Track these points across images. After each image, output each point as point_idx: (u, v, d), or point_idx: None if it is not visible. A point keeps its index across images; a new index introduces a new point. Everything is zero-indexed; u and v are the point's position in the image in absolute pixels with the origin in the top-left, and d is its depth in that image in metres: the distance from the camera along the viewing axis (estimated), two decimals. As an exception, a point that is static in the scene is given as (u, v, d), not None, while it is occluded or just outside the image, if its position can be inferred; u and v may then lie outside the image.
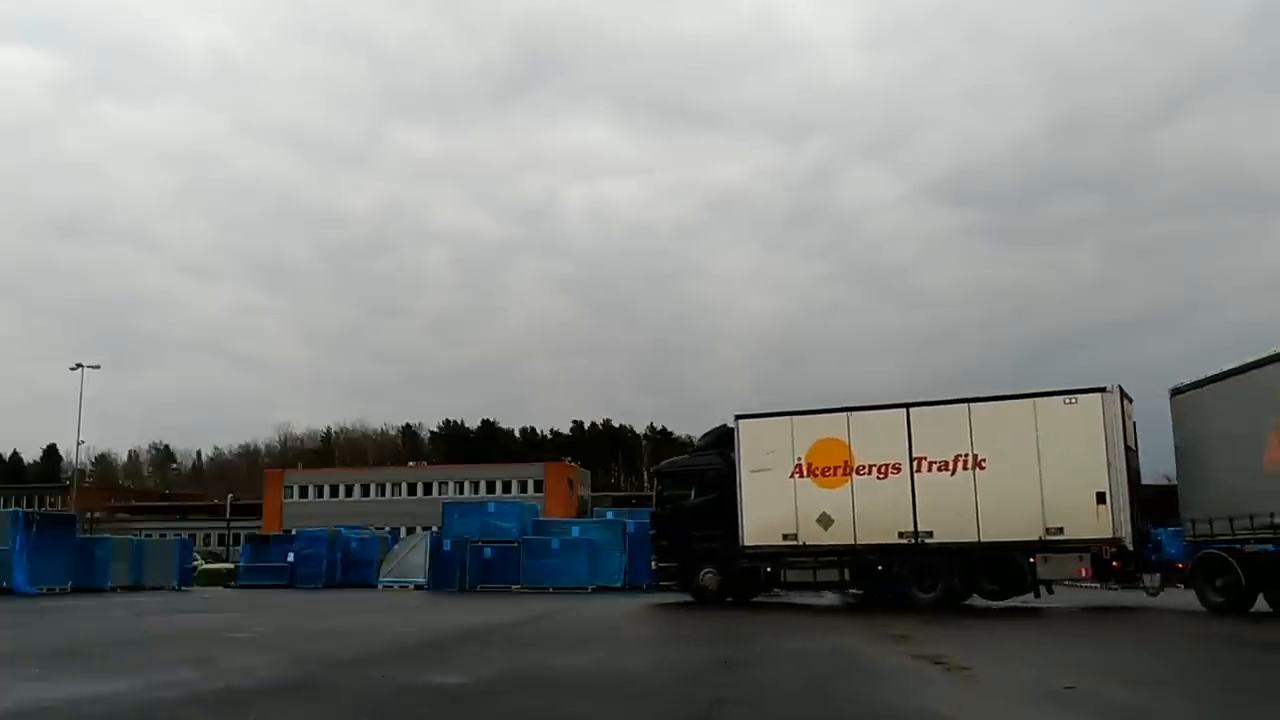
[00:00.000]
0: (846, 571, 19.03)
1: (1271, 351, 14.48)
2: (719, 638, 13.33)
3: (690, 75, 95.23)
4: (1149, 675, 9.42)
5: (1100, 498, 16.83)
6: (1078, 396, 17.39)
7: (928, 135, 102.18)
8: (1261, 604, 15.70)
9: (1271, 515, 14.15)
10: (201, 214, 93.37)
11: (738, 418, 19.97)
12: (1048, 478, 17.37)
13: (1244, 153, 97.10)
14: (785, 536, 19.22)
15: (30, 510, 25.75)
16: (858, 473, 18.76)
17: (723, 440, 20.77)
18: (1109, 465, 16.90)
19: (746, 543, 19.62)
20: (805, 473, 19.19)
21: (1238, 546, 15.33)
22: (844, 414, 19.32)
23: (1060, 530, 17.15)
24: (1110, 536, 16.80)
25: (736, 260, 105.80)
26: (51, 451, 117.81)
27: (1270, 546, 14.76)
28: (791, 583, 19.64)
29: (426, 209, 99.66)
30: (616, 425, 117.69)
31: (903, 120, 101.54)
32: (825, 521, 18.93)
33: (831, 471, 19.03)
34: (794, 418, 19.55)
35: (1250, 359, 15.00)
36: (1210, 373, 16.29)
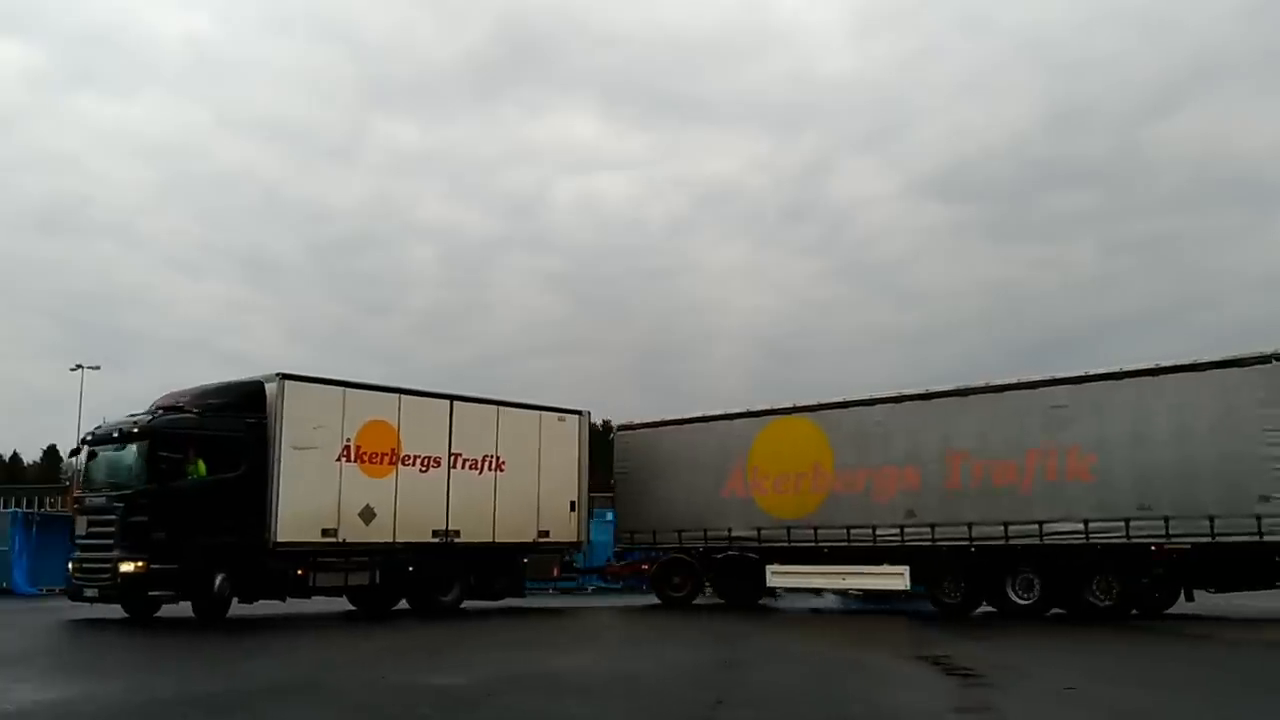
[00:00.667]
0: (378, 574, 16.71)
1: (738, 410, 20.13)
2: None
3: (677, 65, 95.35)
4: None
5: (572, 505, 19.50)
6: (566, 416, 19.64)
7: (921, 128, 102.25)
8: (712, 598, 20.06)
9: (729, 530, 19.33)
10: (185, 209, 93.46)
11: (283, 377, 15.91)
12: (544, 485, 18.99)
13: (1242, 146, 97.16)
14: (325, 532, 15.89)
15: (30, 511, 25.72)
16: (404, 463, 16.92)
17: (248, 402, 15.95)
18: (579, 477, 19.71)
19: (280, 538, 15.37)
20: (353, 456, 16.35)
21: (698, 550, 19.79)
22: (395, 395, 17.37)
23: (547, 534, 19.04)
24: (576, 540, 19.75)
25: (729, 256, 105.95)
26: (52, 452, 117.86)
27: (730, 551, 19.51)
28: (322, 587, 16.26)
29: (413, 203, 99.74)
30: (611, 424, 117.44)
31: (895, 112, 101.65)
32: (368, 515, 16.41)
33: (379, 458, 16.65)
34: (347, 390, 16.73)
35: (714, 412, 20.50)
36: (659, 418, 21.37)
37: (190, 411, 15.49)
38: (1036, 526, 15.95)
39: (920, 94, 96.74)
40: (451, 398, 18.07)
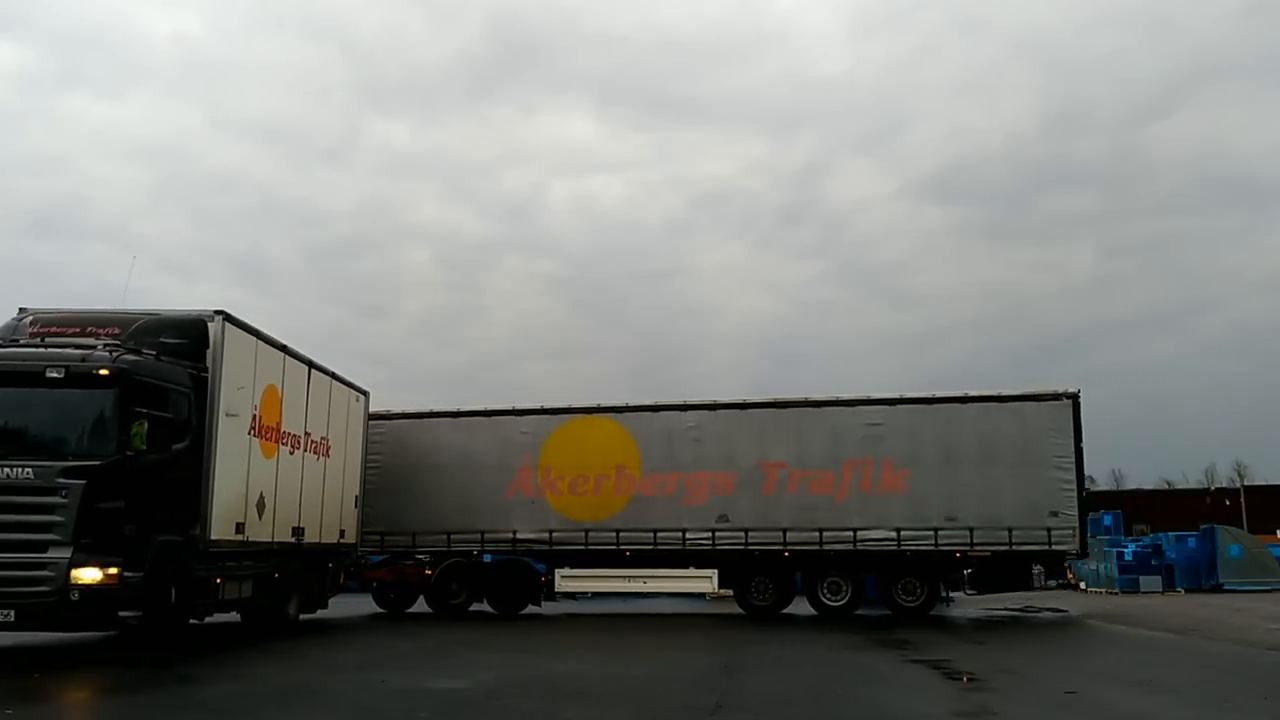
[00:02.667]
0: (249, 585, 13.37)
1: (525, 406, 18.93)
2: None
3: (673, 66, 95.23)
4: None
5: (356, 501, 17.55)
6: (360, 395, 17.52)
7: (917, 129, 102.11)
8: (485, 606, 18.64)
9: (514, 532, 18.37)
10: (179, 211, 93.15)
11: (223, 317, 12.34)
12: (346, 476, 16.71)
13: (1241, 147, 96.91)
14: (238, 527, 12.72)
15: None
16: (282, 441, 13.95)
17: (196, 347, 12.12)
18: (362, 469, 17.77)
19: (212, 536, 11.98)
20: (258, 430, 13.22)
21: (474, 555, 18.61)
22: (281, 356, 14.13)
23: (344, 534, 16.87)
24: (355, 541, 17.78)
25: (726, 258, 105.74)
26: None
27: (503, 555, 18.57)
28: (227, 600, 12.76)
29: (407, 205, 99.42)
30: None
31: (892, 113, 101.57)
32: (261, 507, 13.35)
33: (271, 434, 13.57)
34: (260, 344, 13.44)
35: (493, 406, 19.09)
36: (421, 409, 19.57)
37: (149, 352, 11.26)
38: (851, 533, 17.27)
39: (917, 95, 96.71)
40: (310, 364, 15.00)
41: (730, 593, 18.13)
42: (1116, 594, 24.85)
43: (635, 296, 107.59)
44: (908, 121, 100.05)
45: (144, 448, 10.59)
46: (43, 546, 9.70)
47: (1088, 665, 10.77)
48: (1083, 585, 19.40)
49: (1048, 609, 20.24)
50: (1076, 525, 16.83)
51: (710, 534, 17.67)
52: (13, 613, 9.57)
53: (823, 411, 17.94)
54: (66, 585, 9.64)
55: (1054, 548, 16.90)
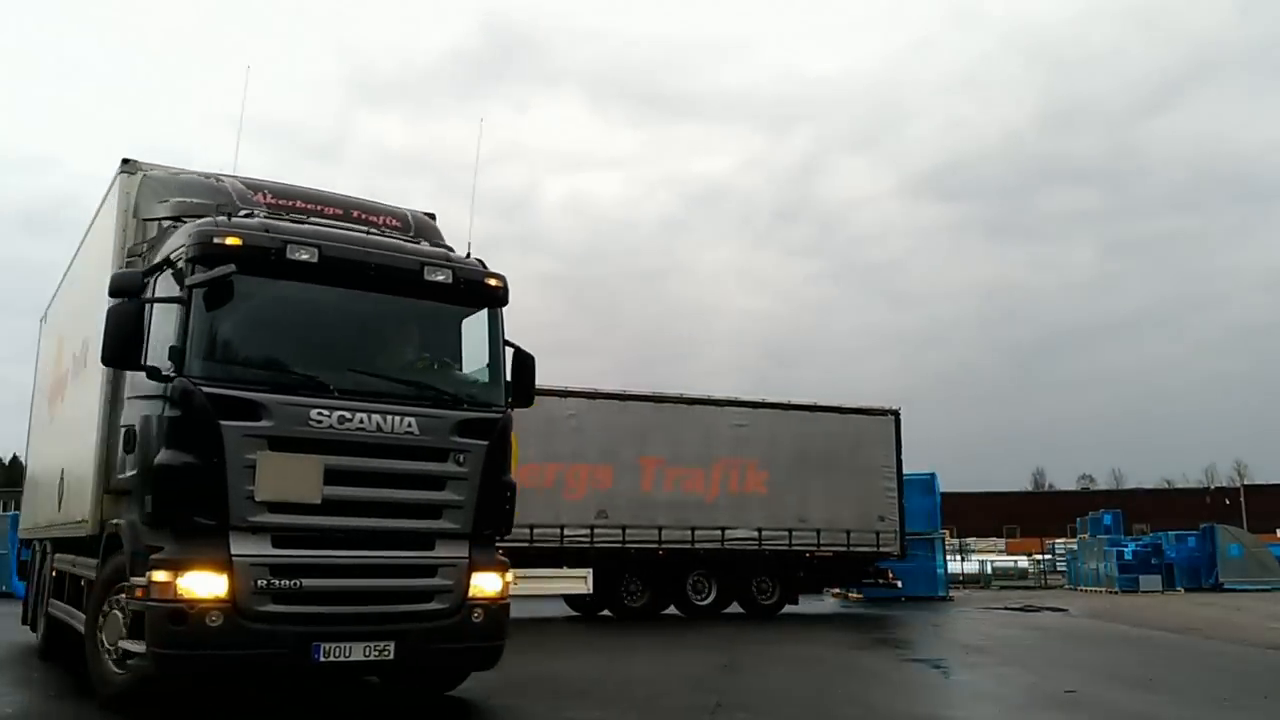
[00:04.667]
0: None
1: None
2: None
3: (666, 62, 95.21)
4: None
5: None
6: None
7: (914, 125, 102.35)
8: None
9: None
10: None
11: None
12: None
13: (1240, 143, 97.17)
14: None
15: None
16: (58, 393, 9.74)
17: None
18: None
19: None
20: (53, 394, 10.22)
21: None
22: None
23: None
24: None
25: (722, 257, 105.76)
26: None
27: None
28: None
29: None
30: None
31: (888, 109, 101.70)
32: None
33: (55, 392, 9.94)
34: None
35: None
36: None
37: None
38: (720, 532, 17.68)
39: (913, 90, 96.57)
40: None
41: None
42: (1116, 593, 24.92)
43: (631, 295, 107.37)
44: (904, 117, 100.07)
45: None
46: (428, 540, 6.39)
47: (1088, 665, 10.77)
48: (899, 584, 20.38)
49: (1047, 608, 20.28)
50: (898, 530, 18.90)
51: (589, 530, 16.99)
52: (392, 645, 6.08)
53: (696, 410, 18.19)
54: (465, 601, 6.44)
55: (881, 549, 18.79)
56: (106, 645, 6.39)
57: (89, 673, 6.61)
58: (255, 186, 7.08)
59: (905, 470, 19.54)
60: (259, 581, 5.73)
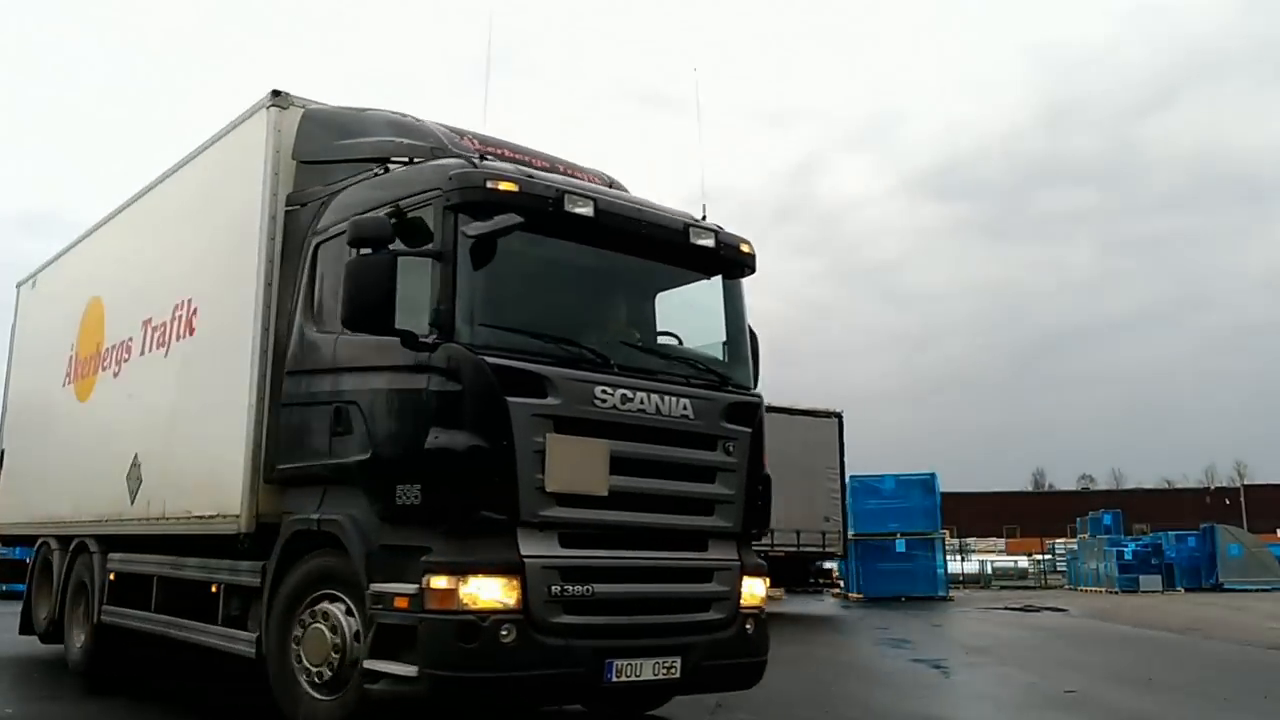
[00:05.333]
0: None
1: None
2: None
3: (663, 60, 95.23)
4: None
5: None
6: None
7: (913, 124, 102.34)
8: None
9: None
10: None
11: None
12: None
13: (1240, 143, 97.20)
14: None
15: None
16: (104, 365, 8.51)
17: None
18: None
19: None
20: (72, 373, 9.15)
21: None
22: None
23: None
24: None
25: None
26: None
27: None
28: None
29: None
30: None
31: (887, 108, 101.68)
32: None
33: (89, 366, 8.82)
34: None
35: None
36: None
37: None
38: None
39: (912, 90, 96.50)
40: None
41: None
42: (1116, 593, 25.00)
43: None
44: (903, 117, 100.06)
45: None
46: (702, 541, 5.63)
47: (1088, 665, 10.85)
48: (841, 584, 20.74)
49: (1047, 608, 20.34)
50: (841, 530, 19.49)
51: None
52: (679, 661, 5.28)
53: None
54: (739, 610, 5.69)
55: (826, 549, 19.39)
56: (308, 664, 5.19)
57: (275, 697, 5.42)
58: (456, 130, 6.12)
59: (906, 470, 19.65)
60: (552, 588, 4.81)
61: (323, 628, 5.15)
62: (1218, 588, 25.79)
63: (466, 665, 4.56)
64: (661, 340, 5.95)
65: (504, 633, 4.61)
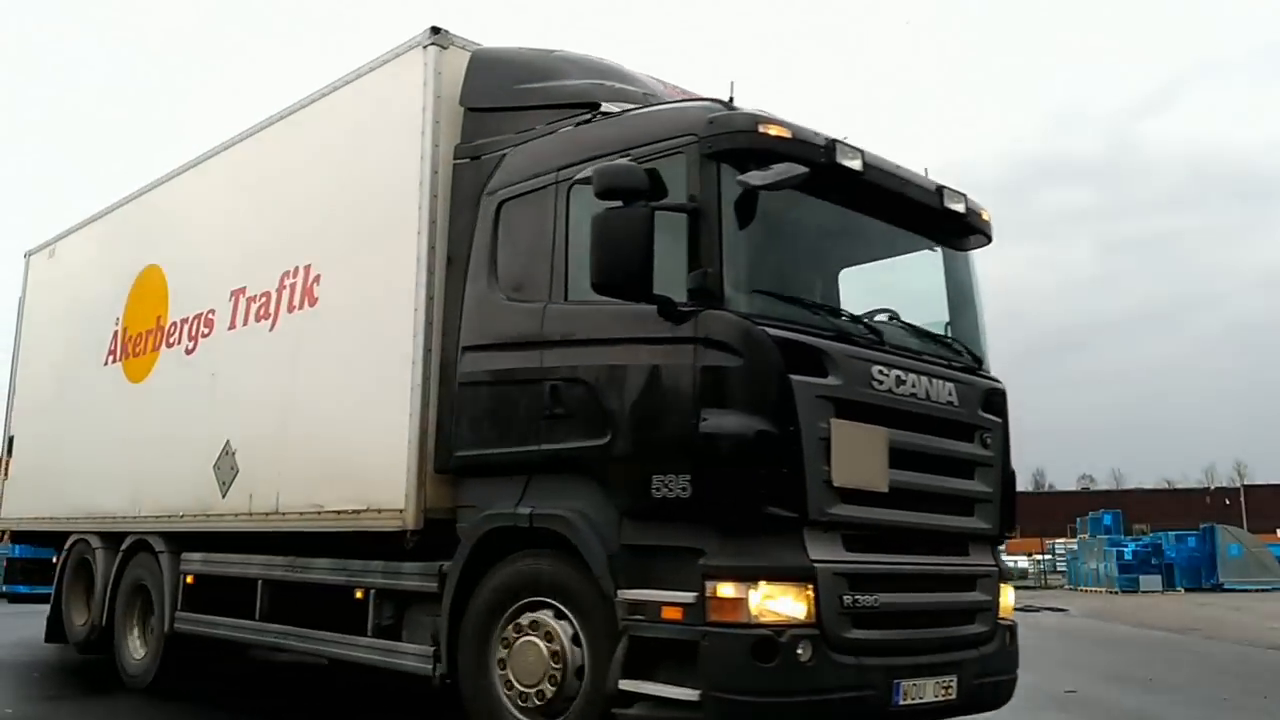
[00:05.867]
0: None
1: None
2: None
3: (658, 63, 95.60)
4: None
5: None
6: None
7: (912, 124, 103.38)
8: None
9: None
10: None
11: None
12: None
13: (1239, 142, 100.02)
14: None
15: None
16: (168, 341, 7.55)
17: None
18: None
19: None
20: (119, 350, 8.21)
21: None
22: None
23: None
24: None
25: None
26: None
27: None
28: None
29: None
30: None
31: (885, 108, 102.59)
32: None
33: (144, 342, 7.85)
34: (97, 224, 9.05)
35: None
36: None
37: None
38: None
39: (912, 90, 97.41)
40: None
41: None
42: (1116, 593, 25.15)
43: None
44: (902, 117, 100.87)
45: None
46: (964, 544, 5.06)
47: (1088, 664, 10.71)
48: None
49: (1047, 608, 20.33)
50: None
51: None
52: (955, 680, 4.65)
53: None
54: (998, 622, 5.13)
55: None
56: (519, 684, 4.42)
57: (468, 714, 4.70)
58: (657, 79, 5.69)
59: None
60: (843, 598, 4.15)
61: (537, 641, 4.38)
62: (1218, 588, 26.14)
63: (762, 689, 3.86)
64: (880, 316, 5.10)
65: (800, 650, 3.92)
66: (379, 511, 5.22)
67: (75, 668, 8.91)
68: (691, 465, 4.01)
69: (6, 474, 10.09)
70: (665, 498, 4.05)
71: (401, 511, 5.07)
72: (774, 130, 4.29)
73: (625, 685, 3.99)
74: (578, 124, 4.90)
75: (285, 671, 8.59)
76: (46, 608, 10.23)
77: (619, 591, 4.09)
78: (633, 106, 4.91)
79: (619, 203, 4.15)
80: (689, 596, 3.90)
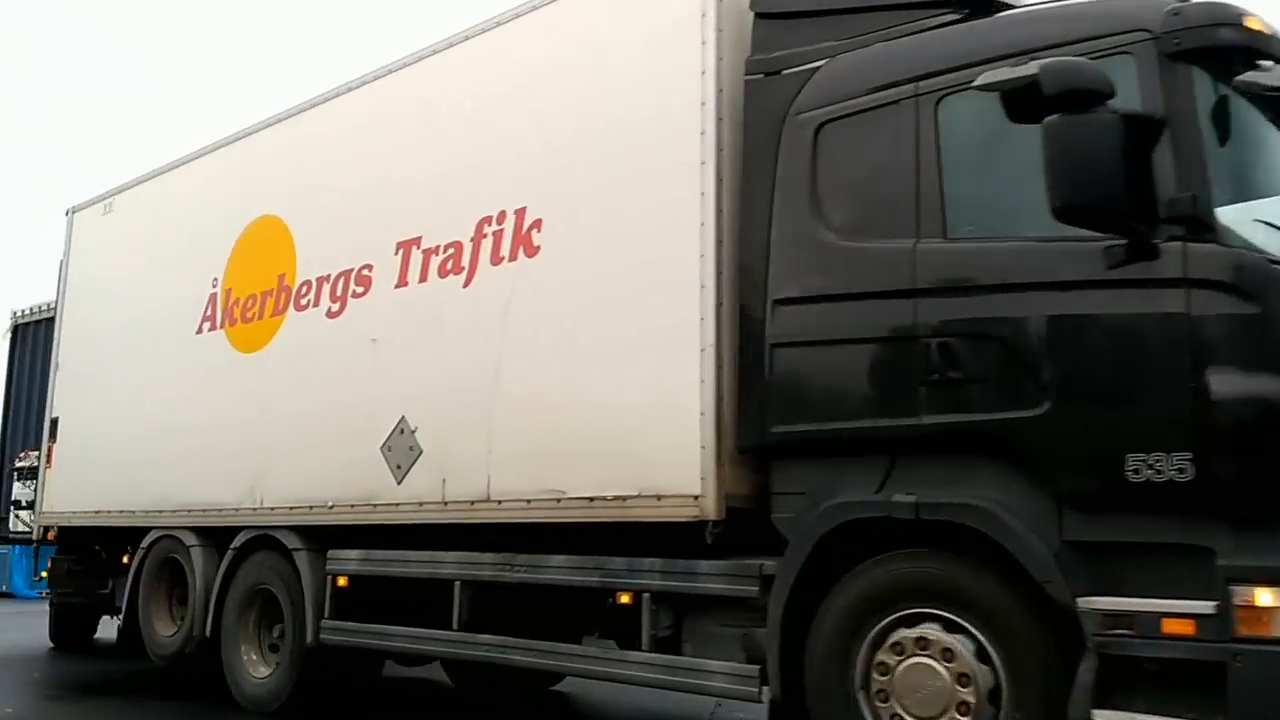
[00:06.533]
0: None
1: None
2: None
3: None
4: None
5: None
6: None
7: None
8: None
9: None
10: None
11: None
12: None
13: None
14: None
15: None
16: (299, 303, 6.45)
17: None
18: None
19: None
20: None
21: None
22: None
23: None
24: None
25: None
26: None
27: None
28: None
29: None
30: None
31: None
32: None
33: (261, 305, 6.77)
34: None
35: None
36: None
37: None
38: None
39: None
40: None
41: None
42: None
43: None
44: None
45: None
46: None
47: None
48: None
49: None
50: None
51: None
52: None
53: None
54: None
55: None
56: (908, 715, 3.62)
57: None
58: None
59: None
60: None
61: (932, 663, 3.55)
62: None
63: None
64: None
65: None
66: (658, 498, 4.32)
67: (75, 668, 8.99)
68: (1194, 441, 3.18)
69: (50, 462, 8.91)
70: (1149, 482, 3.22)
71: (697, 499, 4.17)
72: (1253, 24, 3.54)
73: (1101, 716, 3.18)
74: (948, 24, 4.03)
75: (418, 687, 7.81)
76: (46, 608, 10.05)
77: (1081, 600, 3.26)
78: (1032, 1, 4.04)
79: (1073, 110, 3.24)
80: (1206, 606, 3.10)
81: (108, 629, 9.52)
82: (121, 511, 7.70)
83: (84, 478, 8.19)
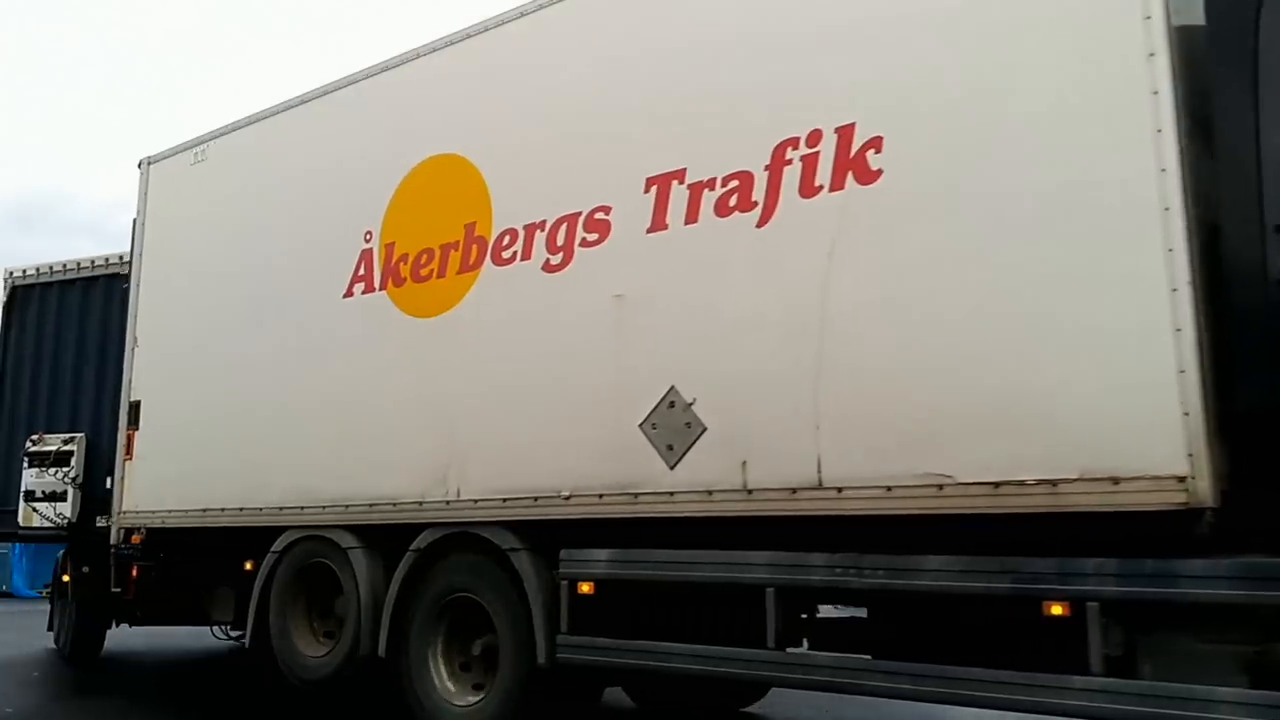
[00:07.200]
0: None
1: None
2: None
3: None
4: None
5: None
6: None
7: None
8: None
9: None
10: None
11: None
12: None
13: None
14: None
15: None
16: (500, 256, 5.34)
17: None
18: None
19: None
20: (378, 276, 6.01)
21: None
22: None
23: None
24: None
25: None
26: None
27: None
28: None
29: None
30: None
31: None
32: None
33: (440, 262, 5.69)
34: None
35: None
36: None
37: None
38: None
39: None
40: None
41: None
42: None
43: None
44: None
45: None
46: None
47: None
48: None
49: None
50: None
51: None
52: None
53: None
54: None
55: None
56: None
57: None
58: None
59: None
60: None
61: None
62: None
63: None
64: None
65: None
66: (1114, 481, 3.41)
67: (76, 668, 8.87)
68: None
69: (130, 453, 7.78)
70: None
71: (1183, 480, 3.26)
72: None
73: None
74: None
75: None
76: (47, 607, 9.83)
77: None
78: None
79: None
80: None
81: (114, 640, 9.13)
82: (244, 510, 6.60)
83: (182, 471, 7.07)
